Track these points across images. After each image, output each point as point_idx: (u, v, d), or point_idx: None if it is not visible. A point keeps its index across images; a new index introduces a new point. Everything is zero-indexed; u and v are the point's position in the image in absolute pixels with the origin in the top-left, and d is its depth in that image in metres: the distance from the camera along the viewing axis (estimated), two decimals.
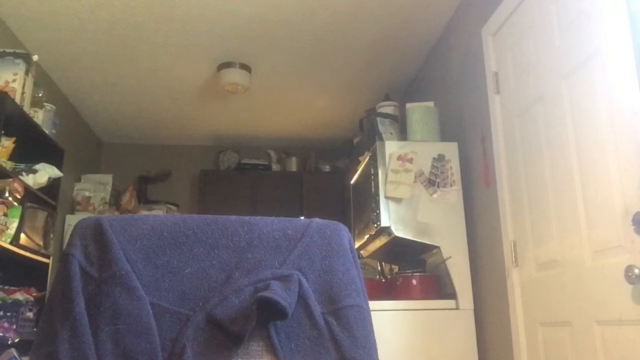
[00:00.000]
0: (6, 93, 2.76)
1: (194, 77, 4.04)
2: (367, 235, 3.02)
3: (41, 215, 3.03)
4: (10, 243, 2.69)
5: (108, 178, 4.83)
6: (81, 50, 3.61)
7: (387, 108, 3.41)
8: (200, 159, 5.43)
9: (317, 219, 1.23)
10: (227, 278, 1.12)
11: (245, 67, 3.85)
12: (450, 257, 2.76)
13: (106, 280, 1.06)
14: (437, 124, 3.05)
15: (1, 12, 3.16)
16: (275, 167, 5.40)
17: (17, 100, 2.89)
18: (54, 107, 3.43)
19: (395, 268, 3.57)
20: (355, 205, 3.46)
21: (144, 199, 5.13)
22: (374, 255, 3.34)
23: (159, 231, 1.14)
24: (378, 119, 3.18)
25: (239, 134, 5.27)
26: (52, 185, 3.22)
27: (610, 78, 1.75)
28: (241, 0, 3.09)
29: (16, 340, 2.69)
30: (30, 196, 2.96)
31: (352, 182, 3.55)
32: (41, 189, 3.10)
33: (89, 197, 4.59)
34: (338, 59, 3.78)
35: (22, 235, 2.77)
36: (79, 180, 4.70)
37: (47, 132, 3.24)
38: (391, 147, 2.88)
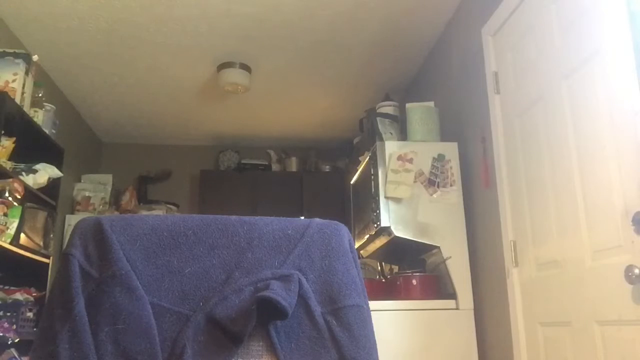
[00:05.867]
0: (6, 93, 2.76)
1: (194, 77, 4.04)
2: (367, 235, 3.01)
3: (41, 215, 3.03)
4: (10, 243, 2.69)
5: (108, 178, 4.83)
6: (81, 50, 3.61)
7: (387, 108, 3.41)
8: (200, 159, 5.43)
9: (317, 219, 1.22)
10: (227, 278, 1.12)
11: (245, 67, 3.85)
12: (450, 257, 2.76)
13: (106, 280, 1.06)
14: (437, 124, 3.05)
15: (1, 12, 3.16)
16: (275, 167, 5.40)
17: (17, 100, 2.89)
18: (54, 107, 3.43)
19: (395, 268, 3.57)
20: (355, 205, 3.46)
21: (144, 199, 5.13)
22: (374, 255, 3.34)
23: (159, 231, 1.14)
24: (378, 119, 3.17)
25: (239, 134, 5.27)
26: (52, 185, 3.22)
27: (610, 78, 1.75)
28: (241, 0, 3.09)
29: (16, 340, 2.69)
30: (30, 196, 2.96)
31: (352, 182, 3.55)
32: (41, 189, 3.10)
33: (89, 197, 4.59)
34: (338, 59, 3.78)
35: (22, 235, 2.77)
36: (79, 180, 4.70)
37: (47, 132, 3.24)
38: (391, 147, 2.88)
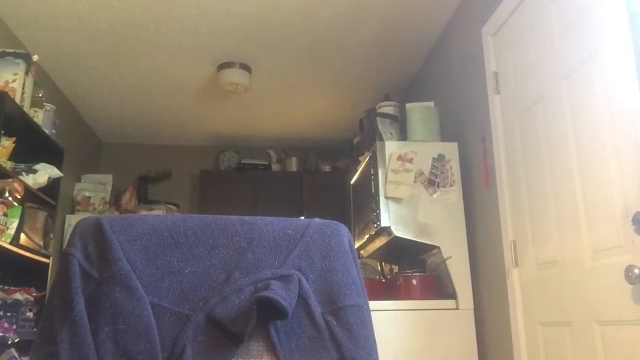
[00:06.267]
0: (6, 93, 2.76)
1: (194, 77, 4.04)
2: (367, 235, 3.01)
3: (41, 215, 3.03)
4: (10, 243, 2.69)
5: (108, 178, 4.83)
6: (81, 50, 3.61)
7: (387, 108, 3.41)
8: (200, 159, 5.43)
9: (317, 219, 1.23)
10: (227, 278, 1.12)
11: (245, 67, 3.85)
12: (450, 257, 2.76)
13: (106, 280, 1.06)
14: (437, 124, 3.05)
15: (1, 12, 3.16)
16: (275, 167, 5.40)
17: (17, 100, 2.89)
18: (54, 107, 3.43)
19: (395, 268, 3.57)
20: (355, 205, 3.46)
21: (144, 199, 5.13)
22: (374, 255, 3.34)
23: (159, 231, 1.14)
24: (378, 119, 3.17)
25: (239, 134, 5.27)
26: (52, 185, 3.22)
27: (610, 78, 1.75)
28: (241, 0, 3.09)
29: (16, 340, 2.69)
30: (30, 196, 2.96)
31: (352, 182, 3.55)
32: (41, 189, 3.10)
33: (89, 197, 4.59)
34: (338, 59, 3.78)
35: (22, 235, 2.77)
36: (79, 180, 4.70)
37: (47, 132, 3.24)
38: (391, 147, 2.88)
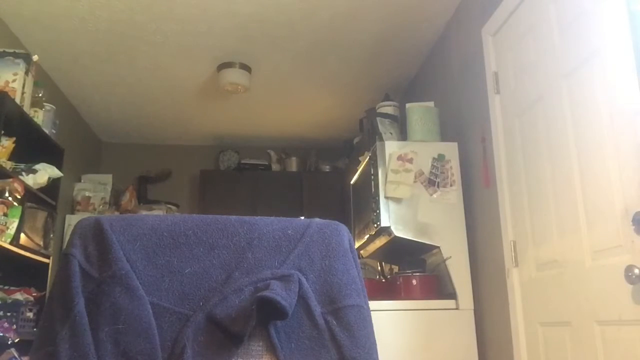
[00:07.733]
0: (6, 93, 2.76)
1: (194, 77, 4.04)
2: (367, 235, 3.01)
3: (41, 215, 3.03)
4: (10, 243, 2.69)
5: (108, 178, 4.83)
6: (81, 50, 3.61)
7: (387, 108, 3.41)
8: (200, 159, 5.43)
9: (317, 219, 1.23)
10: (227, 278, 1.12)
11: (245, 67, 3.85)
12: (450, 257, 2.76)
13: (106, 280, 1.06)
14: (437, 124, 3.05)
15: (1, 12, 3.16)
16: (275, 167, 5.40)
17: (17, 100, 2.89)
18: (54, 107, 3.43)
19: (395, 268, 3.57)
20: (355, 205, 3.46)
21: (144, 199, 5.13)
22: (374, 255, 3.34)
23: (159, 231, 1.14)
24: (378, 119, 3.17)
25: (239, 134, 5.27)
26: (52, 185, 3.22)
27: (610, 78, 1.75)
28: (241, 0, 3.09)
29: (16, 340, 2.69)
30: (30, 196, 2.96)
31: (352, 182, 3.55)
32: (41, 189, 3.09)
33: (89, 197, 4.59)
34: (338, 59, 3.78)
35: (22, 235, 2.77)
36: (79, 180, 4.70)
37: (47, 132, 3.24)
38: (391, 147, 2.88)
